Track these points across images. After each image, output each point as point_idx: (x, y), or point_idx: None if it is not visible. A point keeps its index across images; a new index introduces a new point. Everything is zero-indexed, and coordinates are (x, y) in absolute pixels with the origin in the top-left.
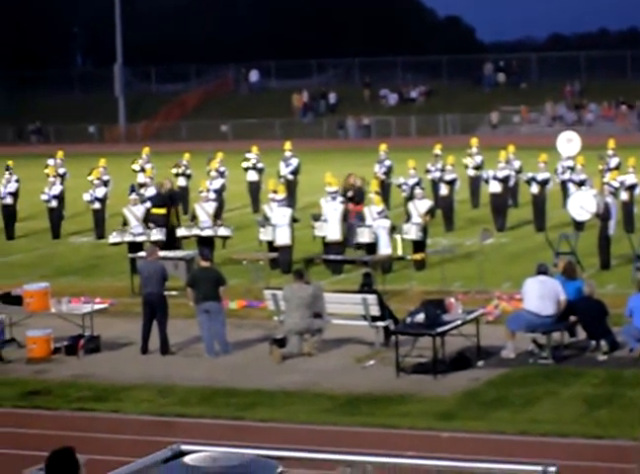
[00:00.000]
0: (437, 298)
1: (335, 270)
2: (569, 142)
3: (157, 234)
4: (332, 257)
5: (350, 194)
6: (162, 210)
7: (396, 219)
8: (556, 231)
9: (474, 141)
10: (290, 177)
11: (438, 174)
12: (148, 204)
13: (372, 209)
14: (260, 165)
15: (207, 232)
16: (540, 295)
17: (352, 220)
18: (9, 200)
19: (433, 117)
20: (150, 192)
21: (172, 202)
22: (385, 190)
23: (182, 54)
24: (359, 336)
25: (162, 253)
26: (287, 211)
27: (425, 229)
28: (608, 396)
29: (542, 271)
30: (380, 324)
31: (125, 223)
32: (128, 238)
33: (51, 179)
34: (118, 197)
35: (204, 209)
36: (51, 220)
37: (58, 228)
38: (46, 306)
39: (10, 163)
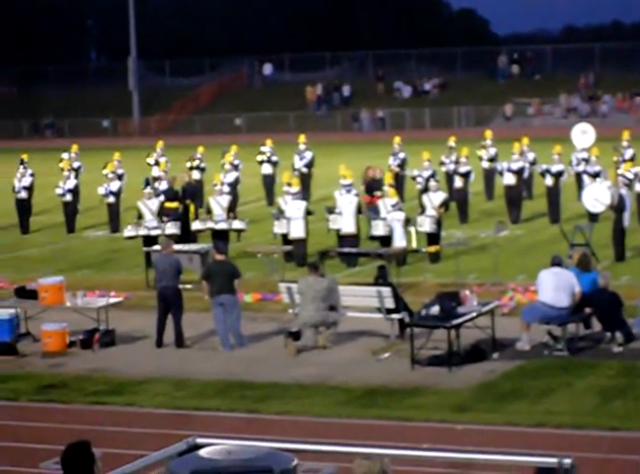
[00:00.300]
0: (451, 291)
1: (349, 262)
2: (583, 134)
3: (172, 228)
4: (346, 250)
5: (362, 187)
6: (174, 204)
7: (410, 212)
8: (571, 223)
9: (488, 133)
10: (305, 170)
11: (452, 166)
12: (162, 198)
13: (387, 202)
14: (274, 158)
15: (222, 225)
16: (555, 287)
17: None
18: (24, 195)
19: (447, 109)
20: (164, 185)
21: (189, 196)
22: (399, 182)
23: (196, 48)
24: (373, 328)
25: (177, 246)
26: (302, 204)
27: (439, 222)
28: (623, 388)
29: (557, 262)
30: (395, 316)
31: (140, 217)
32: (143, 232)
33: (66, 173)
34: (132, 190)
35: (219, 203)
36: (66, 214)
37: (73, 222)
38: (61, 300)
39: (25, 157)
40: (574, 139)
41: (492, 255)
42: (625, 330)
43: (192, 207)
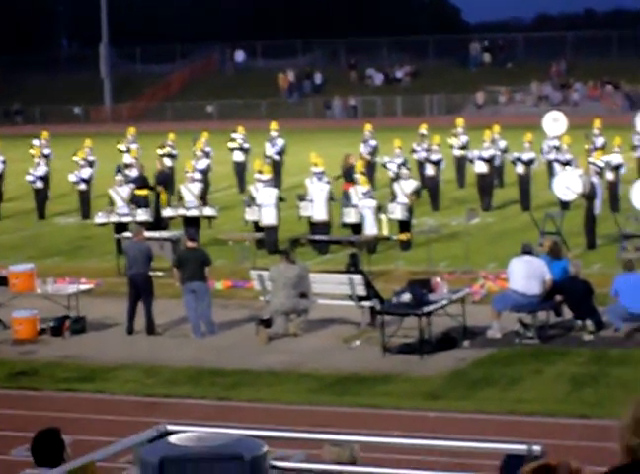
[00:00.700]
0: (422, 278)
1: (321, 250)
2: (555, 122)
3: (143, 215)
4: (318, 237)
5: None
6: (144, 191)
7: (382, 199)
8: (542, 211)
9: (460, 121)
10: (276, 157)
11: (423, 154)
12: (133, 185)
13: (358, 190)
14: (246, 145)
15: (193, 212)
16: (526, 275)
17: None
18: None
19: (418, 97)
20: (135, 173)
21: (161, 184)
22: (371, 170)
23: (167, 35)
24: (345, 316)
25: (148, 233)
26: (273, 191)
27: (410, 209)
28: (594, 375)
29: (527, 250)
30: (366, 304)
31: (112, 204)
32: (114, 219)
33: (36, 160)
34: (103, 177)
35: (190, 190)
36: (37, 201)
37: (44, 209)
38: (32, 287)
39: None
40: (545, 127)
41: (463, 242)
42: (596, 318)
43: (163, 195)
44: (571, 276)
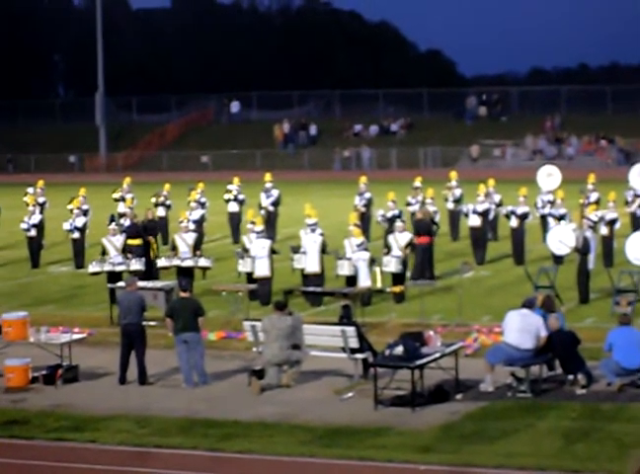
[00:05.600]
0: (415, 331)
1: (314, 302)
2: (549, 176)
3: (136, 264)
4: (311, 289)
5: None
6: (137, 241)
7: (376, 252)
8: (536, 265)
9: (453, 175)
10: (271, 208)
11: (418, 207)
12: (125, 235)
13: (352, 242)
14: (241, 196)
15: (188, 263)
16: (520, 328)
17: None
18: None
19: (413, 149)
20: (128, 222)
21: (150, 233)
22: (365, 222)
23: (163, 85)
24: (337, 368)
25: (141, 283)
26: (267, 243)
27: (405, 262)
28: (587, 430)
29: (526, 305)
30: (359, 356)
31: (104, 253)
32: (108, 268)
33: (31, 208)
34: (97, 226)
35: (184, 240)
36: (31, 249)
37: (37, 257)
38: (25, 335)
39: None
40: (540, 182)
41: (457, 296)
42: (584, 370)
43: (153, 244)
44: (556, 330)
